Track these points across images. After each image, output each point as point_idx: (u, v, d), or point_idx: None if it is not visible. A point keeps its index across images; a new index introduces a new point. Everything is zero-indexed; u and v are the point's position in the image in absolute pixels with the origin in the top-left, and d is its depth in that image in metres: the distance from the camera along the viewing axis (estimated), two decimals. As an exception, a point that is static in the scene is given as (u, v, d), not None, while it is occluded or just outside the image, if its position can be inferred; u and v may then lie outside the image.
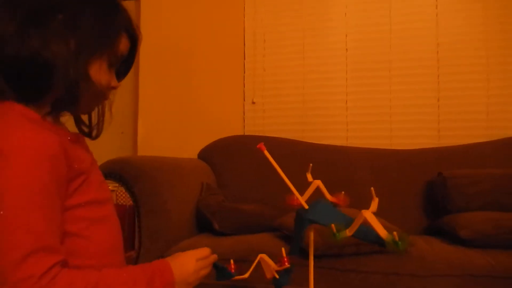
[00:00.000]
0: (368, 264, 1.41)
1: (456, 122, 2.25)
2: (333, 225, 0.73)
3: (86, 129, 0.80)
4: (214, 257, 0.85)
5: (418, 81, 2.30)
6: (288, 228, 1.57)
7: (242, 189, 2.17)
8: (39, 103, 0.67)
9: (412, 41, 2.32)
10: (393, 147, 2.25)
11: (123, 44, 0.75)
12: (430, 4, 2.30)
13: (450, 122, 2.26)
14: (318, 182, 0.87)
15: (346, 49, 2.38)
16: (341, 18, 2.39)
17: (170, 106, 2.56)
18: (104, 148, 3.34)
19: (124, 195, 2.48)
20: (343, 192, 0.87)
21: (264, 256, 0.89)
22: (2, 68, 0.64)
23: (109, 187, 2.51)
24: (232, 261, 0.89)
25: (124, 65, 0.79)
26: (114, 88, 0.76)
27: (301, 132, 2.40)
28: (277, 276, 0.87)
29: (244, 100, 2.49)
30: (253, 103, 2.47)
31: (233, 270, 0.87)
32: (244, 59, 2.50)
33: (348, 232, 0.74)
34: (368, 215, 0.72)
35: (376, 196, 0.89)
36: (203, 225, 1.79)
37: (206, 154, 2.30)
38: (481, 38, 2.24)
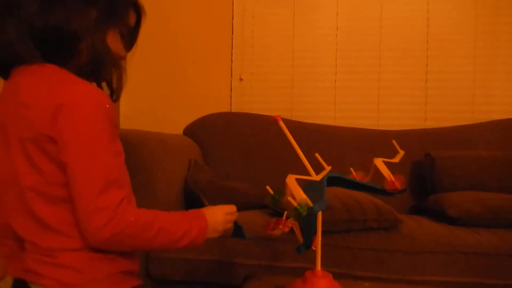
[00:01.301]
0: (359, 241, 1.41)
1: (442, 105, 2.27)
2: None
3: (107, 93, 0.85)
4: (237, 215, 0.92)
5: (407, 63, 2.30)
6: (279, 205, 1.56)
7: (228, 166, 2.14)
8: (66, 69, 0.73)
9: (402, 24, 2.30)
10: (380, 128, 2.26)
11: (131, 18, 0.84)
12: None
13: (436, 105, 2.28)
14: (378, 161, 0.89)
15: (337, 28, 2.35)
16: (333, -4, 2.35)
17: (154, 81, 2.48)
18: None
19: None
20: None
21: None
22: (32, 37, 0.70)
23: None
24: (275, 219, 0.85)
25: (129, 38, 0.87)
26: (123, 58, 0.83)
27: (289, 111, 2.37)
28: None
29: (232, 77, 2.44)
30: (241, 79, 2.42)
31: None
32: (232, 34, 2.44)
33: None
34: (379, 162, 0.79)
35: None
36: (191, 202, 1.76)
37: (192, 131, 2.24)
38: (470, 23, 2.25)
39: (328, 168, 0.86)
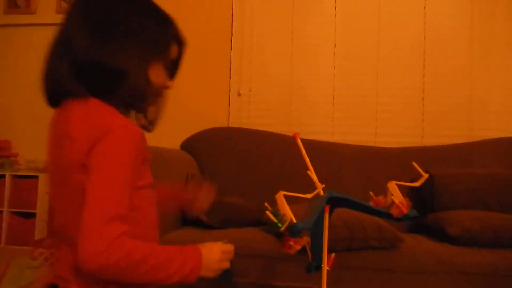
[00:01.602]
0: (360, 260, 1.39)
1: (439, 122, 2.29)
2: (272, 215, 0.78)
3: (145, 123, 0.89)
4: (233, 254, 0.89)
5: (404, 81, 2.32)
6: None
7: (225, 181, 2.11)
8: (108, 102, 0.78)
9: (399, 42, 2.33)
10: (377, 145, 2.26)
11: (174, 50, 0.89)
12: (419, 5, 2.32)
13: (433, 123, 2.29)
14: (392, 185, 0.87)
15: (335, 45, 2.37)
16: (331, 14, 2.38)
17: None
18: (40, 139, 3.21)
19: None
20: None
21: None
22: (79, 74, 0.76)
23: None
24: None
25: (172, 68, 0.92)
26: (167, 87, 0.90)
27: (287, 126, 2.37)
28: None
29: (230, 92, 2.43)
30: (239, 95, 2.42)
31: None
32: (231, 49, 2.44)
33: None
34: (392, 186, 0.78)
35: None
36: (186, 218, 1.73)
37: (189, 145, 2.23)
38: (466, 42, 2.29)
39: (320, 187, 0.85)
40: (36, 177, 3.00)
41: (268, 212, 0.81)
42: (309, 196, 0.85)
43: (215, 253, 0.83)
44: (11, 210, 3.01)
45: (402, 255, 1.41)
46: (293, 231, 0.77)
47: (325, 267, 0.85)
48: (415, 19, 2.32)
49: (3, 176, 3.01)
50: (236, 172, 2.14)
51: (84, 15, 0.78)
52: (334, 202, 0.87)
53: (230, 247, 0.87)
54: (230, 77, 2.44)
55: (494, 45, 2.28)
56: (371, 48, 2.34)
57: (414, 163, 0.78)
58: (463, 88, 2.28)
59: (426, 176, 0.79)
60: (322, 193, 0.83)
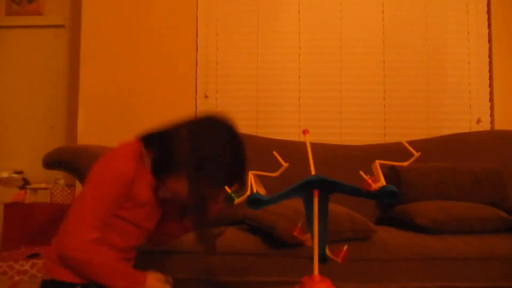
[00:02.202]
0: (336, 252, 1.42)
1: (399, 121, 2.40)
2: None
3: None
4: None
5: (366, 83, 2.42)
6: (253, 219, 1.54)
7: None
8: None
9: (360, 47, 2.44)
10: (342, 143, 2.32)
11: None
12: (377, 13, 2.44)
13: (394, 121, 2.40)
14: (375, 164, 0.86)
15: (299, 47, 2.43)
16: (295, 15, 2.44)
17: (116, 98, 2.40)
18: (34, 143, 3.05)
19: (61, 193, 2.26)
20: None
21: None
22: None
23: (42, 185, 2.26)
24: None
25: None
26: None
27: (255, 127, 2.39)
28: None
29: (196, 94, 2.42)
30: (206, 97, 2.41)
31: None
32: (197, 51, 2.43)
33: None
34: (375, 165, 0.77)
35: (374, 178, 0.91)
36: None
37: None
38: (422, 47, 2.43)
39: (285, 165, 0.86)
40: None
41: (226, 187, 0.83)
42: (275, 174, 0.85)
43: (156, 283, 0.98)
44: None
45: (375, 245, 1.45)
46: (250, 201, 0.78)
47: (316, 254, 0.86)
48: (375, 23, 2.44)
49: None
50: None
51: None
52: (323, 187, 0.89)
53: (165, 277, 1.02)
54: (196, 79, 2.42)
55: (446, 52, 2.43)
56: (334, 51, 2.42)
57: (404, 142, 0.79)
58: (421, 91, 2.41)
59: (417, 154, 0.80)
60: (283, 166, 0.84)
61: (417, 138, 2.29)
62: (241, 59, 2.43)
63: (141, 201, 0.97)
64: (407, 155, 2.27)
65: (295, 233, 0.80)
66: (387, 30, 2.43)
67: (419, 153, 0.78)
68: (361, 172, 0.82)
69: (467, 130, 2.37)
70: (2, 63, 3.21)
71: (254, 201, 0.80)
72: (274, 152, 0.93)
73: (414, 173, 1.90)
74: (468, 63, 2.43)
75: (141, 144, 0.98)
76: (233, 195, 0.82)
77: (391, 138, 2.36)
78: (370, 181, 0.85)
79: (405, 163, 0.81)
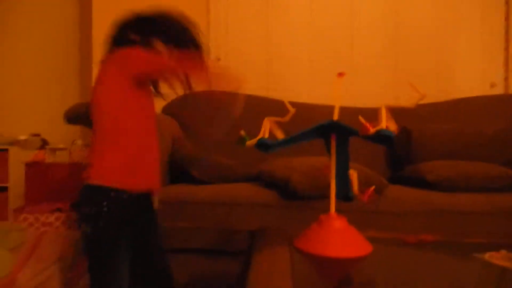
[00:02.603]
0: (349, 204, 1.47)
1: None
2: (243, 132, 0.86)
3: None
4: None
5: (377, 46, 2.41)
6: (268, 174, 1.59)
7: (208, 143, 2.14)
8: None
9: (373, 5, 2.40)
10: (354, 106, 2.34)
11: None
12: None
13: (405, 85, 2.40)
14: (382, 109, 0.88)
15: (311, 8, 2.41)
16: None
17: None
18: (49, 106, 3.10)
19: (79, 153, 2.33)
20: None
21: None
22: None
23: (60, 146, 2.31)
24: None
25: None
26: None
27: (265, 89, 2.41)
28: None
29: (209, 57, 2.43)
30: (218, 60, 2.42)
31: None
32: (208, 14, 2.43)
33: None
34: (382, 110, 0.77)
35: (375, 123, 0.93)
36: (177, 176, 1.75)
37: (171, 109, 2.22)
38: (434, 8, 2.40)
39: (292, 110, 0.89)
40: (5, 150, 2.89)
41: (242, 131, 0.87)
42: (285, 119, 0.89)
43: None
44: (-20, 185, 2.88)
45: (387, 199, 1.50)
46: (259, 145, 0.82)
47: (333, 192, 0.90)
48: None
49: (-31, 150, 2.88)
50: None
51: None
52: (338, 131, 0.92)
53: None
54: (208, 43, 2.43)
55: (459, 7, 2.40)
56: (346, 12, 2.40)
57: (411, 83, 0.80)
58: (433, 54, 2.40)
59: (424, 94, 0.81)
60: (291, 112, 0.87)
61: (427, 101, 2.30)
62: (252, 21, 2.42)
63: None
64: (417, 117, 2.28)
65: (366, 198, 0.84)
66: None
67: (425, 93, 0.79)
68: (360, 117, 0.85)
69: (480, 94, 2.37)
70: (14, 26, 3.23)
71: (262, 144, 0.84)
72: (284, 101, 0.96)
73: (424, 133, 1.92)
74: (482, 25, 2.39)
75: None
76: (246, 137, 0.87)
77: (402, 101, 2.36)
78: (368, 125, 0.87)
79: (412, 105, 0.83)
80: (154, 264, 1.10)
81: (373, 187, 0.89)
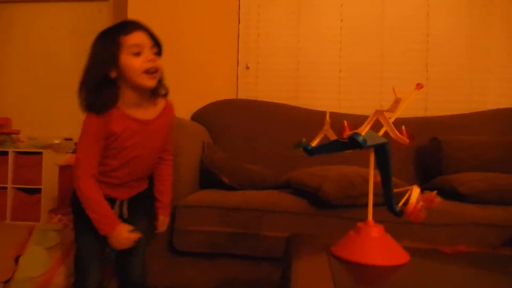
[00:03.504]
0: (380, 214, 1.46)
1: (442, 96, 2.38)
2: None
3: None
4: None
5: (408, 55, 2.40)
6: (298, 182, 1.60)
7: (236, 151, 2.17)
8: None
9: (403, 17, 2.40)
10: (383, 116, 2.33)
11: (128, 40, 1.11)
12: (422, -19, 2.39)
13: (436, 96, 2.38)
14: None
15: (341, 19, 2.43)
16: (337, -14, 2.43)
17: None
18: (79, 115, 3.20)
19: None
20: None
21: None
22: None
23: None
24: None
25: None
26: (152, 66, 1.13)
27: (295, 99, 2.43)
28: None
29: (238, 65, 2.47)
30: (247, 68, 2.46)
31: None
32: (239, 23, 2.48)
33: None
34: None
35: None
36: (207, 182, 1.78)
37: (200, 117, 2.27)
38: (466, 17, 2.38)
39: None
40: (40, 153, 3.00)
41: (303, 139, 0.90)
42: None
43: (122, 236, 1.13)
44: (15, 186, 3.00)
45: (418, 210, 1.48)
46: (303, 147, 0.88)
47: (370, 201, 0.91)
48: (419, -5, 2.40)
49: (5, 153, 3.00)
50: (247, 142, 2.20)
51: None
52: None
53: (135, 236, 1.16)
54: (238, 51, 2.48)
55: (493, 21, 2.37)
56: (376, 23, 2.41)
57: (393, 87, 0.78)
58: (464, 63, 2.38)
59: (405, 98, 0.78)
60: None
61: (459, 113, 2.27)
62: (282, 31, 2.46)
63: (115, 131, 1.13)
64: (448, 128, 2.26)
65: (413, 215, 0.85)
66: (431, 4, 2.39)
67: (408, 97, 0.78)
68: (345, 121, 0.82)
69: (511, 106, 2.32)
70: (47, 36, 3.36)
71: (305, 149, 0.86)
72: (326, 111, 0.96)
73: (455, 145, 1.90)
74: (517, 35, 2.36)
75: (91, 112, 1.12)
76: (303, 143, 0.89)
77: (432, 112, 2.35)
78: (346, 127, 0.84)
79: (395, 112, 0.80)
80: (126, 268, 1.32)
81: (435, 192, 0.90)
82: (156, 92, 1.20)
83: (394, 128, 0.90)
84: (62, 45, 3.29)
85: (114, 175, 1.19)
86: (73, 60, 3.29)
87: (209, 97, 2.35)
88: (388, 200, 0.91)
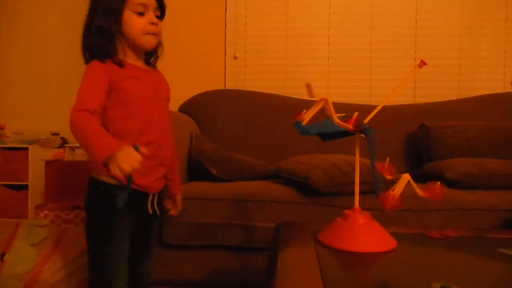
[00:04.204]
0: (368, 201, 1.46)
1: (430, 82, 2.37)
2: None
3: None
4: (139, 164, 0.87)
5: (396, 42, 2.38)
6: (287, 171, 1.59)
7: (225, 142, 2.15)
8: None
9: (392, 6, 2.38)
10: (372, 103, 2.33)
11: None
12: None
13: (425, 82, 2.38)
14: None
15: (329, 6, 2.40)
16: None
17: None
18: (68, 107, 3.15)
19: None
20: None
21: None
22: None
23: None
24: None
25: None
26: (150, 28, 1.08)
27: (283, 88, 2.41)
28: None
29: (226, 55, 2.44)
30: (235, 58, 2.43)
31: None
32: (226, 12, 2.44)
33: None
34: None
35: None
36: (195, 173, 1.76)
37: (188, 108, 2.24)
38: (456, 6, 2.36)
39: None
40: (26, 148, 2.94)
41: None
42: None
43: (130, 153, 0.86)
44: (0, 182, 2.94)
45: (407, 197, 1.47)
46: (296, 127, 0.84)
47: (357, 188, 0.90)
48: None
49: (-10, 149, 2.93)
50: (236, 132, 2.18)
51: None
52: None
53: (139, 154, 0.87)
54: (225, 40, 2.44)
55: (483, 5, 2.36)
56: (365, 11, 2.39)
57: (307, 83, 0.77)
58: (453, 49, 2.37)
59: (318, 99, 0.77)
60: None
61: (448, 99, 2.27)
62: (270, 19, 2.42)
63: (120, 74, 1.02)
64: (437, 114, 2.26)
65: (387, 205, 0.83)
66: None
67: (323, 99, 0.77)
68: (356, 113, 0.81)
69: (500, 91, 2.32)
70: (36, 27, 3.29)
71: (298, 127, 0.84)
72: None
73: (444, 131, 1.90)
74: (506, 20, 2.35)
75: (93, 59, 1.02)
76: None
77: (422, 99, 2.34)
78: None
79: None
80: (134, 268, 1.10)
81: (438, 183, 0.88)
82: (150, 57, 1.15)
83: (335, 115, 0.88)
84: (47, 37, 3.22)
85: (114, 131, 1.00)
86: (58, 52, 3.22)
87: (197, 87, 2.32)
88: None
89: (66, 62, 3.20)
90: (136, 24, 1.04)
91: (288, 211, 1.46)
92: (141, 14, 1.05)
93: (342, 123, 0.84)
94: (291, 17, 2.41)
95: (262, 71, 2.44)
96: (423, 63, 0.83)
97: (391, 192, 0.84)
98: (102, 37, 1.02)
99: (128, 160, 0.83)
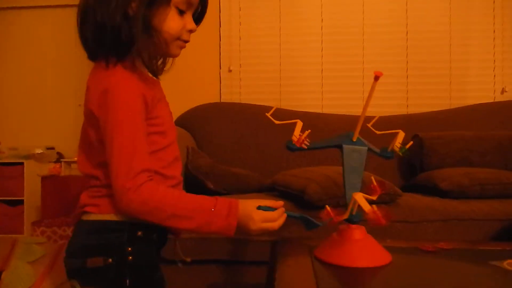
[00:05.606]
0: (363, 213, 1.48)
1: (422, 92, 2.41)
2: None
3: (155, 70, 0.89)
4: (281, 210, 0.85)
5: (388, 55, 2.43)
6: (283, 184, 1.60)
7: (221, 154, 2.17)
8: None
9: (383, 18, 2.43)
10: (366, 115, 2.35)
11: None
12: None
13: (417, 92, 2.41)
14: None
15: (322, 20, 2.44)
16: (317, -12, 2.45)
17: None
18: (63, 121, 3.16)
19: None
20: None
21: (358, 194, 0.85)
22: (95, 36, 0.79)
23: (75, 159, 2.37)
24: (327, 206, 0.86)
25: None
26: (185, 32, 0.85)
27: (278, 100, 2.44)
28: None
29: (220, 68, 2.47)
30: (230, 71, 2.46)
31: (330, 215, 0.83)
32: (220, 26, 2.47)
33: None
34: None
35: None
36: (192, 187, 1.77)
37: (184, 121, 2.26)
38: (445, 17, 2.41)
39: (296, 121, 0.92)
40: (21, 163, 2.95)
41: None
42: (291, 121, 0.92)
43: (250, 212, 0.79)
44: (-4, 198, 2.94)
45: (401, 208, 1.50)
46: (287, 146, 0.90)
47: (350, 204, 0.92)
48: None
49: (-15, 164, 2.94)
50: (231, 145, 2.19)
51: None
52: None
53: (269, 202, 0.81)
54: (220, 54, 2.47)
55: (472, 15, 2.41)
56: (357, 23, 2.43)
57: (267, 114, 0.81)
58: (444, 62, 2.41)
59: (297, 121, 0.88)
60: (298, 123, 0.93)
61: (440, 109, 2.30)
62: (264, 33, 2.46)
63: (158, 97, 0.84)
64: (430, 124, 2.29)
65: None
66: (410, 4, 2.42)
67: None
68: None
69: (491, 101, 2.37)
70: (32, 43, 3.30)
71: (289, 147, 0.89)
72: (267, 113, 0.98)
73: (436, 141, 1.93)
74: (494, 31, 2.40)
75: (119, 61, 0.77)
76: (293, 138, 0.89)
77: (414, 109, 2.38)
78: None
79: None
80: None
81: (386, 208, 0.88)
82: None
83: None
84: (45, 53, 3.24)
85: (170, 174, 0.85)
86: (53, 67, 3.24)
87: (192, 101, 2.34)
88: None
89: (60, 76, 3.22)
90: (175, 24, 0.80)
91: (284, 224, 1.46)
92: (182, 12, 0.81)
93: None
94: (284, 31, 2.45)
95: (257, 84, 2.47)
96: (379, 74, 0.77)
97: (374, 208, 0.84)
98: (142, 30, 0.75)
99: (263, 225, 0.79)
